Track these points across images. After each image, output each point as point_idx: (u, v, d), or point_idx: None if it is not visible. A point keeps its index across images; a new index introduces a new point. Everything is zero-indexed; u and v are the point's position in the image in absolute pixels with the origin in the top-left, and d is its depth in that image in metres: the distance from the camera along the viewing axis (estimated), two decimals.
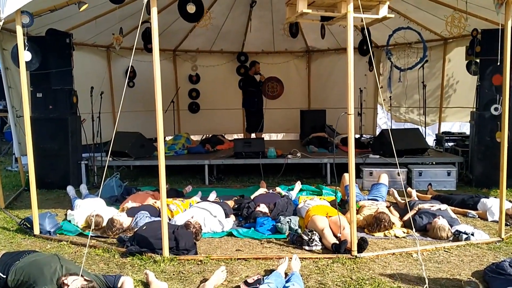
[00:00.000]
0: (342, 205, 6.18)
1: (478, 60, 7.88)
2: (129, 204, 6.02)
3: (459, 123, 10.84)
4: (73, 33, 8.12)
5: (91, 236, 5.19)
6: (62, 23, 7.99)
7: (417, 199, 6.51)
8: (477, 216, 5.84)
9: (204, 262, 4.45)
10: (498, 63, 4.89)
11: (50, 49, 7.56)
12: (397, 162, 4.74)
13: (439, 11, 8.46)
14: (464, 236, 4.92)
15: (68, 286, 3.45)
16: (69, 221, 5.72)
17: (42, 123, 7.61)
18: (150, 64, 4.68)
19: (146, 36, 9.08)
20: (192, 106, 12.45)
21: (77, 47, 9.26)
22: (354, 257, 4.43)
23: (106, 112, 10.47)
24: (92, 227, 5.13)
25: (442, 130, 10.27)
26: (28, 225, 5.31)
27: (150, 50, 10.13)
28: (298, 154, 8.48)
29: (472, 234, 4.92)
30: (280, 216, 5.49)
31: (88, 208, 5.81)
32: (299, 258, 4.40)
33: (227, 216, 5.81)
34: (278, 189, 6.76)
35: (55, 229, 5.32)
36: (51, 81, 7.61)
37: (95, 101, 8.07)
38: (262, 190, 6.75)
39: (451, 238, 4.99)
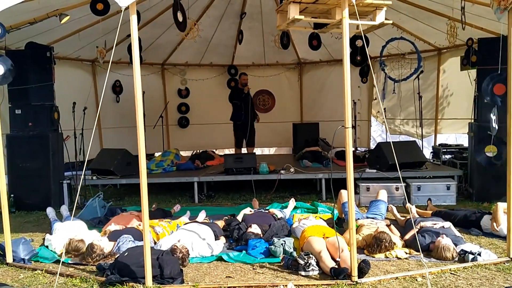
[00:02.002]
0: (339, 224, 5.84)
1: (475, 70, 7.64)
2: (112, 226, 5.63)
3: (454, 135, 10.57)
4: (54, 47, 7.79)
5: (69, 263, 4.84)
6: (44, 37, 7.69)
7: (417, 215, 6.18)
8: (481, 234, 5.52)
9: None
10: (499, 72, 4.60)
11: (29, 63, 7.23)
12: (400, 175, 4.44)
13: (433, 21, 8.25)
14: (471, 256, 4.58)
15: None
16: (47, 246, 5.32)
17: (22, 141, 7.24)
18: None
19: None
20: (181, 121, 12.12)
21: (60, 61, 8.96)
22: (355, 283, 4.08)
23: (90, 129, 10.14)
24: (65, 253, 4.73)
25: (438, 142, 10.02)
26: (1, 253, 4.89)
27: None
28: (292, 170, 8.14)
29: (479, 254, 4.59)
30: (274, 238, 5.12)
31: (67, 231, 5.41)
32: (295, 285, 4.05)
33: (216, 238, 5.44)
34: (272, 210, 6.39)
35: (29, 257, 4.91)
36: (31, 97, 7.25)
37: (78, 117, 7.72)
38: (247, 210, 6.37)
39: (456, 259, 4.66)
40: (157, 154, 10.42)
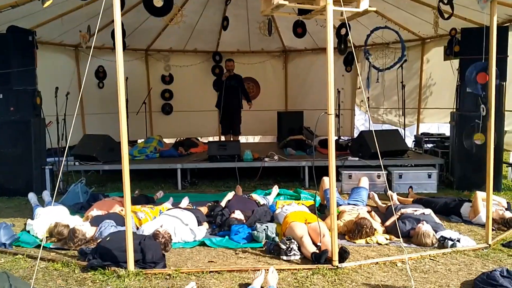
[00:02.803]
0: (321, 210, 5.89)
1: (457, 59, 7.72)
2: (94, 212, 5.60)
3: (437, 124, 10.69)
4: (37, 31, 7.65)
5: (51, 248, 4.81)
6: (26, 21, 7.52)
7: (398, 203, 6.26)
8: (461, 221, 5.63)
9: (173, 276, 4.09)
10: (483, 61, 4.65)
11: (11, 47, 7.11)
12: (381, 163, 4.46)
13: (417, 11, 8.28)
14: (450, 242, 4.67)
15: None
16: (28, 231, 5.28)
17: (3, 126, 7.16)
18: (123, 63, 4.27)
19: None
20: (165, 108, 12.04)
21: (42, 45, 8.82)
22: (335, 267, 4.13)
23: (72, 114, 10.02)
24: (48, 237, 4.71)
25: (420, 131, 10.12)
26: None
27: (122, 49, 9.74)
28: (275, 157, 8.17)
29: (458, 241, 4.68)
30: (257, 224, 5.15)
31: (49, 217, 5.37)
32: (277, 269, 4.09)
33: (199, 223, 5.45)
34: (254, 196, 6.41)
35: (11, 241, 4.88)
36: (13, 82, 7.14)
37: (61, 103, 7.61)
38: (231, 195, 6.38)
39: (436, 245, 4.74)
40: (140, 141, 10.36)
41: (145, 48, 11.60)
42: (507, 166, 7.75)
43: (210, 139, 12.03)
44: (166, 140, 10.74)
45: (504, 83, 6.92)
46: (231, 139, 10.33)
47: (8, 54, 7.07)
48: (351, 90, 11.79)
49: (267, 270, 3.91)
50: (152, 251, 4.34)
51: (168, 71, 11.93)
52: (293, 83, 12.54)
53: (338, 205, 5.79)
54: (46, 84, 7.84)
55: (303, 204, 6.20)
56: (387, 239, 4.96)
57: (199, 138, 11.11)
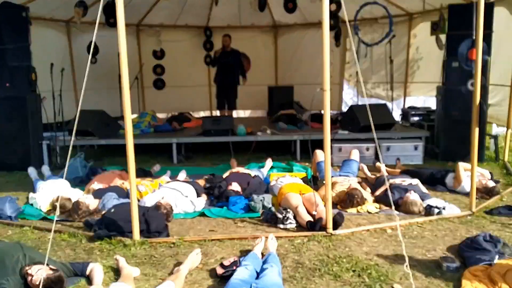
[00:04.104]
0: (313, 182, 6.13)
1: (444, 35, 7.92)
2: (95, 185, 5.79)
3: (423, 98, 10.95)
4: (29, 7, 7.64)
5: (56, 220, 4.99)
6: None
7: (386, 174, 6.53)
8: (446, 190, 5.92)
9: (177, 245, 4.32)
10: (474, 38, 4.85)
11: (4, 23, 7.12)
12: (375, 136, 4.64)
13: None
14: (436, 210, 4.95)
15: (33, 276, 3.26)
16: (31, 204, 5.45)
17: None
18: (113, 39, 4.40)
19: (108, 10, 8.65)
20: (157, 83, 12.09)
21: (34, 21, 8.76)
22: (330, 234, 4.39)
23: (68, 90, 10.06)
24: (58, 210, 4.88)
25: (407, 104, 10.37)
26: None
27: (112, 25, 9.72)
28: (268, 131, 8.37)
29: (444, 208, 4.97)
30: (253, 195, 5.39)
31: (51, 190, 5.55)
32: (276, 237, 4.34)
33: (198, 195, 5.67)
34: (241, 169, 6.62)
35: (16, 214, 5.06)
36: (7, 58, 7.17)
37: (55, 79, 7.68)
38: (234, 170, 6.60)
39: (423, 213, 5.03)
40: (133, 116, 10.45)
41: (136, 23, 11.58)
42: (490, 138, 8.04)
43: (202, 113, 12.17)
44: (159, 115, 10.85)
45: (489, 58, 7.14)
46: (227, 113, 10.49)
47: (1, 30, 7.08)
48: (340, 65, 11.94)
49: (267, 237, 4.16)
50: (156, 221, 4.56)
51: (160, 46, 11.93)
52: (283, 58, 12.64)
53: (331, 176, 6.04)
54: (39, 60, 7.87)
55: (296, 176, 6.44)
56: (377, 208, 5.24)
57: (192, 113, 11.23)
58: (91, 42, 10.20)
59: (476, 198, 5.42)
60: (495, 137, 7.73)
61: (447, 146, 7.59)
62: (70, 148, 3.91)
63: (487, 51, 6.86)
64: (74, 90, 10.20)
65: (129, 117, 4.37)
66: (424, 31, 9.62)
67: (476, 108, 4.80)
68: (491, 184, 5.65)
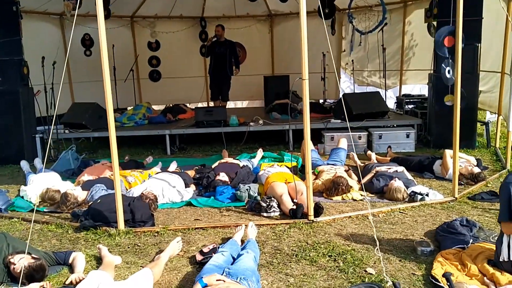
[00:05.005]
0: (303, 171, 6.17)
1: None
2: (85, 177, 5.87)
3: (419, 86, 10.94)
4: (20, 1, 7.69)
5: (44, 211, 5.09)
6: None
7: (376, 162, 6.57)
8: (433, 177, 5.96)
9: (161, 233, 4.40)
10: (451, 25, 4.87)
11: None
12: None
13: None
14: (419, 197, 5.00)
15: (15, 264, 3.34)
16: (22, 197, 5.55)
17: None
18: (108, 31, 4.45)
19: (103, 2, 8.68)
20: (153, 75, 12.15)
21: (26, 15, 8.84)
22: (311, 221, 4.45)
23: (62, 83, 10.12)
24: (41, 202, 4.98)
25: (403, 92, 10.36)
26: None
27: (105, 17, 9.77)
28: (260, 122, 8.41)
29: (427, 195, 5.01)
30: (240, 184, 5.46)
31: (42, 183, 5.63)
32: (257, 225, 4.41)
33: (187, 186, 5.74)
34: (230, 159, 6.68)
35: (6, 206, 5.15)
36: None
37: (48, 72, 7.75)
38: (222, 160, 6.67)
39: (406, 199, 5.07)
40: (129, 108, 10.52)
41: (130, 15, 11.61)
42: (481, 125, 8.04)
43: (200, 105, 12.20)
44: (155, 107, 10.90)
45: (479, 44, 7.13)
46: (220, 104, 10.51)
47: None
48: (336, 53, 11.92)
49: (247, 225, 4.22)
50: (141, 211, 4.64)
51: (155, 37, 11.97)
52: (280, 47, 12.63)
53: (318, 165, 6.10)
54: (32, 54, 7.93)
55: (285, 165, 6.48)
56: (362, 195, 5.29)
57: (188, 104, 11.28)
58: (85, 34, 10.35)
59: (462, 184, 5.49)
60: (487, 124, 7.73)
61: (439, 134, 7.59)
62: (49, 139, 3.91)
63: (473, 37, 6.86)
64: (69, 83, 10.28)
65: (111, 110, 4.46)
66: (418, 18, 9.58)
67: (457, 95, 4.82)
68: (476, 170, 5.68)
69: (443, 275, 2.97)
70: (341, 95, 11.74)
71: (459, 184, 5.44)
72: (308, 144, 4.45)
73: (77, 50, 10.44)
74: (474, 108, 7.33)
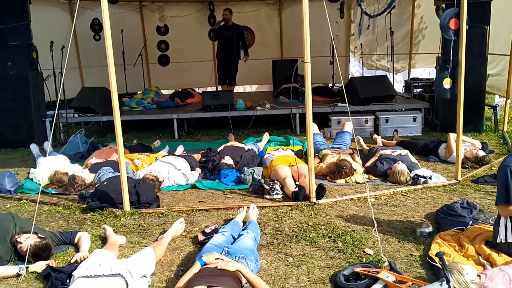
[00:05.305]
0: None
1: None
2: (93, 160, 5.97)
3: (429, 69, 10.85)
4: None
5: (53, 193, 5.20)
6: None
7: (382, 145, 6.58)
8: (438, 160, 5.96)
9: (165, 215, 4.48)
10: (455, 7, 4.82)
11: (4, 3, 7.24)
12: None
13: None
14: (422, 180, 5.01)
15: (21, 243, 3.45)
16: (31, 179, 5.67)
17: (2, 81, 7.41)
18: (117, 15, 4.49)
19: None
20: (161, 59, 12.19)
21: (35, 0, 8.90)
22: (313, 203, 4.50)
23: (72, 68, 10.22)
24: (49, 184, 5.08)
25: (412, 76, 10.29)
26: None
27: (114, 1, 9.82)
28: (267, 106, 8.43)
29: (430, 178, 5.02)
30: (244, 168, 5.51)
31: (51, 165, 5.73)
32: (260, 207, 4.47)
33: (193, 169, 5.81)
34: (235, 143, 6.73)
35: (15, 188, 5.27)
36: (7, 37, 7.33)
37: (57, 57, 7.82)
38: (228, 144, 6.72)
39: (410, 182, 5.09)
40: (138, 93, 10.60)
41: None
42: (489, 108, 7.98)
43: (209, 89, 12.23)
44: (164, 91, 10.97)
45: (487, 27, 7.05)
46: (228, 88, 10.53)
47: (1, 10, 7.22)
48: (345, 36, 11.85)
49: (249, 207, 4.29)
50: (146, 193, 4.73)
51: (163, 22, 11.98)
52: (288, 31, 12.55)
53: (323, 148, 6.13)
54: (41, 39, 8.01)
55: (291, 149, 6.51)
56: (365, 178, 5.31)
57: (196, 89, 11.32)
58: (94, 19, 10.40)
59: (466, 168, 5.49)
60: (495, 107, 7.67)
61: (446, 117, 7.54)
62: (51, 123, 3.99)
63: (481, 20, 6.78)
64: (78, 68, 10.37)
65: (116, 94, 4.52)
66: (428, 1, 9.47)
67: (461, 78, 4.80)
68: (481, 153, 5.67)
69: (436, 254, 3.00)
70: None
71: (464, 167, 5.46)
72: (311, 126, 4.48)
73: (86, 35, 10.51)
74: (482, 92, 7.28)
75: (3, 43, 7.32)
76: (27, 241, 3.45)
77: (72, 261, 3.50)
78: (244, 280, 2.95)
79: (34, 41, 7.68)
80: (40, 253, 3.45)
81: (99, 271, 2.97)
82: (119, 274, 2.94)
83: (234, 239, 3.59)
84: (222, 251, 3.21)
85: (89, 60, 10.54)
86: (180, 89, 10.91)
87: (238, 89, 12.07)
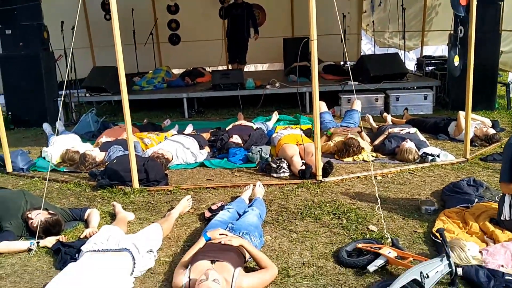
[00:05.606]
0: None
1: None
2: (103, 139, 6.05)
3: (442, 47, 10.68)
4: None
5: (64, 171, 5.31)
6: None
7: (391, 123, 6.55)
8: (447, 139, 5.93)
9: (173, 192, 4.55)
10: None
11: None
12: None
13: None
14: (430, 158, 5.00)
15: (32, 219, 3.55)
16: (44, 157, 5.77)
17: (14, 61, 7.50)
18: None
19: None
20: (172, 38, 12.17)
21: None
22: (319, 181, 4.53)
23: (84, 47, 10.29)
24: (61, 162, 5.17)
25: (425, 54, 10.14)
26: (1, 163, 5.36)
27: None
28: (277, 84, 8.41)
29: (438, 156, 5.01)
30: (252, 146, 5.55)
31: (63, 144, 5.84)
32: (267, 185, 4.52)
33: (201, 147, 5.86)
34: (244, 122, 6.75)
35: (28, 166, 5.39)
36: (19, 17, 7.39)
37: (68, 37, 7.87)
38: (236, 123, 6.75)
39: (417, 160, 5.08)
40: (150, 72, 10.63)
41: None
42: (501, 86, 7.87)
43: (220, 68, 12.20)
44: (175, 71, 11.00)
45: (502, 3, 6.90)
46: (238, 67, 10.50)
47: None
48: (357, 14, 11.69)
49: (255, 184, 4.33)
50: (155, 171, 4.80)
51: (174, 0, 11.92)
52: (300, 8, 12.40)
53: (331, 127, 6.12)
54: (53, 18, 8.04)
55: (300, 128, 6.51)
56: (373, 157, 5.32)
57: (207, 68, 11.31)
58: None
59: (476, 146, 5.46)
60: (508, 85, 7.56)
61: (458, 95, 7.44)
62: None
63: None
64: (90, 47, 10.42)
65: (123, 74, 4.57)
66: None
67: (471, 55, 4.74)
68: (491, 131, 5.62)
69: (437, 231, 3.02)
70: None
71: (474, 145, 5.44)
72: (317, 105, 4.47)
73: (97, 15, 10.52)
74: (494, 69, 7.17)
75: (14, 23, 7.39)
76: (37, 217, 3.54)
77: (81, 237, 3.59)
78: (247, 255, 3.01)
79: (45, 21, 7.73)
80: (50, 228, 3.55)
81: (106, 246, 3.05)
82: (125, 248, 3.02)
83: (240, 215, 3.64)
84: (227, 227, 3.27)
85: (100, 40, 10.56)
86: (190, 68, 10.91)
87: (249, 67, 12.04)
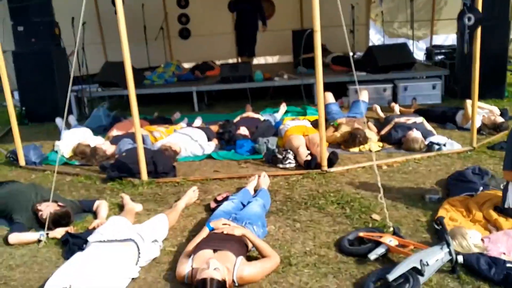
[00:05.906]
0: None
1: None
2: (114, 132, 6.16)
3: (453, 36, 10.56)
4: None
5: (76, 165, 5.42)
6: None
7: (399, 113, 6.54)
8: (455, 128, 5.91)
9: (181, 184, 4.63)
10: None
11: None
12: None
13: None
14: (436, 147, 5.00)
15: (42, 211, 3.65)
16: (56, 151, 5.89)
17: (27, 57, 7.61)
18: None
19: None
20: (182, 32, 12.22)
21: None
22: (324, 172, 4.57)
23: (96, 43, 10.40)
24: (73, 156, 5.27)
25: (435, 43, 10.06)
26: (14, 157, 5.49)
27: None
28: (285, 76, 8.43)
29: (444, 145, 5.01)
30: (259, 138, 5.60)
31: (75, 138, 5.95)
32: (272, 175, 4.57)
33: (209, 140, 5.93)
34: (251, 113, 6.80)
35: (40, 160, 5.51)
36: (31, 13, 7.50)
37: (77, 32, 7.97)
38: (244, 115, 6.80)
39: (424, 150, 5.08)
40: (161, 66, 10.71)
41: None
42: (511, 74, 7.79)
43: (230, 61, 12.23)
44: (186, 65, 11.05)
45: None
46: (247, 60, 10.53)
47: None
48: (366, 4, 11.61)
49: (260, 176, 4.39)
50: (163, 163, 4.89)
51: None
52: (308, 0, 12.34)
53: (338, 118, 6.14)
54: (63, 15, 8.13)
55: (307, 119, 6.55)
56: (380, 147, 5.34)
57: (217, 61, 11.34)
58: None
59: (483, 134, 5.44)
60: None
61: (466, 84, 7.38)
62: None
63: None
64: (102, 43, 10.53)
65: (130, 69, 4.65)
66: None
67: (477, 43, 4.71)
68: (500, 120, 5.59)
69: (436, 219, 3.05)
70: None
71: (481, 134, 5.42)
72: (321, 95, 4.51)
73: (108, 10, 10.59)
74: (504, 56, 7.11)
75: (26, 19, 7.49)
76: (47, 209, 3.64)
77: (90, 228, 3.69)
78: (250, 245, 3.07)
79: (56, 17, 7.84)
80: (59, 220, 3.65)
81: (112, 236, 3.14)
82: (130, 238, 3.10)
83: (244, 206, 3.70)
84: (230, 217, 3.33)
85: (111, 36, 10.61)
86: (200, 62, 10.97)
87: (259, 60, 12.04)
